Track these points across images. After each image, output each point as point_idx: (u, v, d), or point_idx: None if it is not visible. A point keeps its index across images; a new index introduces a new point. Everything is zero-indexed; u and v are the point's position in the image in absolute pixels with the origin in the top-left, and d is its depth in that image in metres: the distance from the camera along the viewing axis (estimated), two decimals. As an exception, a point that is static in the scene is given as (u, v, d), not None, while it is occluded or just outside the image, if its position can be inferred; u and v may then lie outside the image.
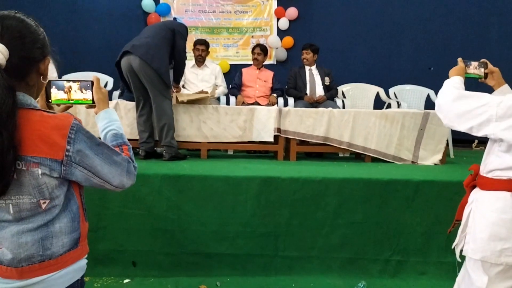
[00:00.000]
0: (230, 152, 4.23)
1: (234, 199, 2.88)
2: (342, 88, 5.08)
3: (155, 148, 3.59)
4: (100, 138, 1.19)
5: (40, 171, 1.01)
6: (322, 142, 3.75)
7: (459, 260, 1.68)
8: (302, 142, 3.94)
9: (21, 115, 0.99)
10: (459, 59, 1.79)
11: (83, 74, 5.22)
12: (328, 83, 4.72)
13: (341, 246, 2.92)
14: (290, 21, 6.25)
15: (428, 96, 5.02)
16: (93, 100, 1.30)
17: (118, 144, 1.24)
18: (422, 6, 5.86)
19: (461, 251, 1.63)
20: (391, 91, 5.10)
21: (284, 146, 3.88)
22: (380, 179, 2.95)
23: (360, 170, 3.27)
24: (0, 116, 0.93)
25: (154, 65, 3.26)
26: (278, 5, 6.30)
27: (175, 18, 3.91)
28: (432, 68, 5.61)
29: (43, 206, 1.05)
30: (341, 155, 4.28)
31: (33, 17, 1.10)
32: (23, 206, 1.03)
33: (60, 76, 5.05)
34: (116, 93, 4.55)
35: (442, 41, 5.71)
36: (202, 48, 4.69)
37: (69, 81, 1.30)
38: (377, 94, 5.17)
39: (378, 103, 5.05)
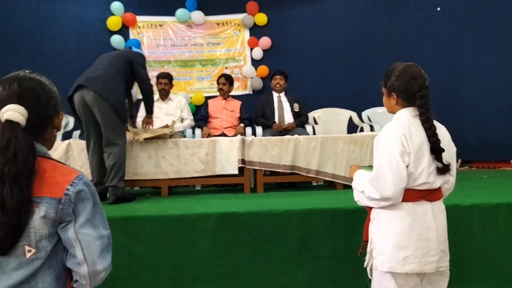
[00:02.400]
0: (198, 187, 4.04)
1: (189, 239, 2.67)
2: (313, 114, 4.97)
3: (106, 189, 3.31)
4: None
5: (37, 211, 1.03)
6: (289, 171, 3.57)
7: (371, 277, 1.72)
8: (272, 173, 3.76)
9: (39, 164, 1.07)
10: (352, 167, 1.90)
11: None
12: (297, 110, 4.59)
13: (309, 284, 2.69)
14: (263, 50, 6.23)
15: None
16: None
17: None
18: (393, 29, 5.85)
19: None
20: (364, 114, 4.99)
21: (254, 177, 3.70)
22: (346, 208, 2.76)
23: (327, 199, 3.09)
24: (23, 173, 1.01)
25: (110, 99, 3.07)
26: (250, 36, 6.29)
27: (130, 47, 3.74)
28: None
29: (27, 254, 1.03)
30: (314, 183, 4.09)
31: (46, 76, 1.20)
32: (16, 251, 1.03)
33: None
34: (76, 133, 4.39)
35: (415, 61, 5.59)
36: (165, 82, 4.57)
37: None
38: (350, 119, 5.04)
39: (352, 128, 4.93)
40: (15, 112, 1.05)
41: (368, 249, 1.72)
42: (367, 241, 1.74)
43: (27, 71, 1.14)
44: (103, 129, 3.17)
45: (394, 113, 1.74)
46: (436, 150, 1.59)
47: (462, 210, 2.75)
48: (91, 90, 3.07)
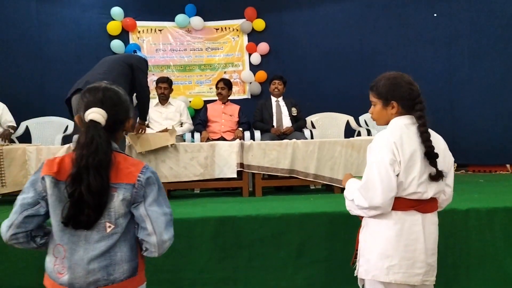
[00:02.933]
0: (197, 191, 4.05)
1: (188, 243, 2.67)
2: (311, 118, 4.99)
3: None
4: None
5: (115, 195, 1.26)
6: (287, 175, 3.59)
7: (360, 286, 1.70)
8: (270, 176, 3.78)
9: (113, 157, 1.29)
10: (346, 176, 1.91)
11: (51, 118, 5.10)
12: (295, 114, 4.62)
13: (307, 287, 2.70)
14: (261, 55, 6.26)
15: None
16: None
17: None
18: (390, 33, 5.88)
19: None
20: (361, 118, 5.01)
21: (253, 181, 3.71)
22: (344, 212, 2.71)
23: (325, 203, 3.10)
24: (103, 163, 1.23)
25: None
26: (249, 41, 6.33)
27: (135, 51, 3.73)
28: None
29: (108, 229, 1.27)
30: (312, 187, 4.11)
31: (122, 88, 1.45)
32: (99, 226, 1.26)
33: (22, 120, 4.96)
34: (76, 137, 4.39)
35: (412, 65, 5.67)
36: (165, 86, 4.60)
37: None
38: (348, 123, 5.07)
39: (349, 132, 4.95)
40: (98, 114, 1.28)
41: (358, 258, 1.69)
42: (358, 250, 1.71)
43: (107, 83, 1.42)
44: None
45: (387, 123, 1.68)
46: (430, 155, 1.56)
47: (459, 214, 2.76)
48: None
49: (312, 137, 4.58)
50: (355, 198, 1.65)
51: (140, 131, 3.65)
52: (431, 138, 1.58)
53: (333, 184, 3.63)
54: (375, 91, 1.69)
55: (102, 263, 1.26)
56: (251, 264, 2.68)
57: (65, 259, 1.26)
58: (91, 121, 1.27)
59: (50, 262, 1.29)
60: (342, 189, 3.53)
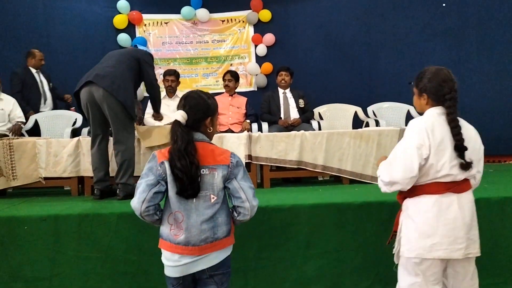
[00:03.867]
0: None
1: (198, 234, 2.69)
2: (318, 109, 4.97)
3: (111, 185, 3.33)
4: None
5: (216, 174, 1.66)
6: (296, 166, 3.58)
7: (396, 262, 1.89)
8: (278, 168, 3.78)
9: (200, 146, 1.68)
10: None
11: (60, 112, 5.13)
12: (302, 105, 4.60)
13: (317, 278, 2.71)
14: (267, 47, 6.24)
15: (409, 112, 4.89)
16: None
17: None
18: (397, 23, 5.82)
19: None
20: (370, 109, 4.98)
21: (261, 173, 3.71)
22: (353, 202, 2.77)
23: (334, 194, 3.10)
24: (188, 150, 1.62)
25: (120, 97, 3.06)
26: (255, 32, 6.30)
27: (136, 46, 3.73)
28: (412, 83, 5.50)
29: (212, 200, 1.66)
30: (320, 178, 4.10)
31: (207, 93, 1.81)
32: (205, 197, 1.66)
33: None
34: (85, 130, 4.41)
35: (420, 55, 5.62)
36: (172, 79, 4.59)
37: None
38: (356, 114, 5.04)
39: (357, 123, 4.93)
40: (180, 115, 1.67)
41: (397, 238, 1.87)
42: (396, 231, 1.89)
43: (197, 90, 1.81)
44: (112, 127, 3.17)
45: (423, 112, 1.87)
46: (458, 148, 1.71)
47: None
48: (100, 87, 3.06)
49: (320, 129, 4.56)
50: (381, 173, 1.85)
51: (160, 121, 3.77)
52: (461, 129, 1.74)
53: (342, 175, 3.62)
54: (414, 81, 1.92)
55: (210, 225, 1.66)
56: (261, 255, 2.69)
57: (183, 223, 1.66)
58: (176, 120, 1.67)
59: (166, 229, 1.70)
60: (351, 180, 3.58)
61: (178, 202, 1.66)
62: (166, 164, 1.66)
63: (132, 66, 3.28)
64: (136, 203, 1.70)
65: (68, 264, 2.61)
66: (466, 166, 1.72)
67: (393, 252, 1.91)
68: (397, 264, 1.90)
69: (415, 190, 1.78)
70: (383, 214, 2.70)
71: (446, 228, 1.72)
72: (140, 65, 3.32)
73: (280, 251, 2.71)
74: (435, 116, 1.78)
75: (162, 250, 1.74)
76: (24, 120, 4.64)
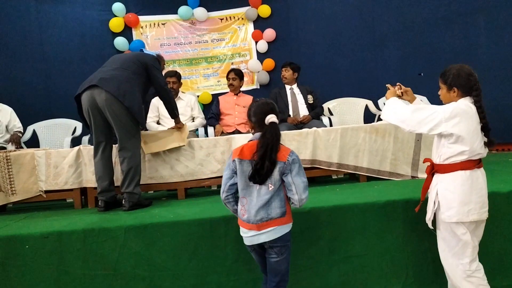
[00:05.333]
0: (214, 187, 3.87)
1: (212, 244, 2.51)
2: (328, 105, 4.79)
3: (116, 196, 3.14)
4: None
5: (276, 168, 1.97)
6: (309, 165, 3.39)
7: (432, 227, 2.22)
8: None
9: None
10: (388, 85, 2.47)
11: (58, 121, 4.96)
12: (312, 101, 4.41)
13: (342, 285, 2.54)
14: (268, 43, 6.07)
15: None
16: None
17: None
18: (403, 12, 5.63)
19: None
20: (380, 102, 4.79)
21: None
22: (376, 202, 2.59)
23: (353, 194, 2.91)
24: (277, 147, 1.99)
25: (126, 102, 2.89)
26: (254, 29, 6.11)
27: (141, 50, 3.55)
28: (422, 74, 5.31)
29: (270, 188, 1.98)
30: (334, 177, 3.91)
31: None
32: (266, 186, 1.99)
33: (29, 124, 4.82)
34: (85, 138, 4.23)
35: (428, 44, 5.43)
36: (173, 80, 4.40)
37: None
38: (366, 107, 4.85)
39: (369, 117, 4.73)
40: (275, 117, 2.03)
41: (430, 207, 2.21)
42: (423, 201, 2.27)
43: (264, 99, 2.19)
44: (117, 133, 3.00)
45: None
46: (486, 129, 2.12)
47: (501, 197, 2.57)
48: (103, 90, 2.89)
49: (331, 125, 4.37)
50: (395, 107, 2.25)
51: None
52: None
53: (358, 173, 3.43)
54: (442, 78, 2.20)
55: (265, 208, 1.99)
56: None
57: (246, 205, 2.02)
58: (273, 122, 2.00)
59: (238, 209, 2.07)
60: (368, 178, 3.39)
61: (244, 190, 2.03)
62: (236, 161, 2.03)
63: (138, 71, 3.10)
64: (221, 193, 2.14)
65: (74, 284, 2.44)
66: (490, 144, 2.12)
67: (427, 220, 2.24)
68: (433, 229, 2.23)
69: (451, 167, 2.10)
70: (409, 213, 2.52)
71: (477, 196, 2.09)
72: (148, 70, 3.15)
73: (300, 259, 2.54)
74: (466, 104, 2.11)
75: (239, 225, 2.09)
76: (22, 130, 4.47)
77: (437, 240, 2.24)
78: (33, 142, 4.63)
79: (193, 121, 4.52)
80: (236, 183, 2.06)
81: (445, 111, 2.07)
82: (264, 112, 2.03)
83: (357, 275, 2.53)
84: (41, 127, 4.68)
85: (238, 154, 2.03)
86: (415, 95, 2.48)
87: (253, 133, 2.12)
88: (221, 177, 3.32)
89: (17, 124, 4.43)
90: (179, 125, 3.49)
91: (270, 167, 1.95)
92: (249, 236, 2.03)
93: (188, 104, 4.53)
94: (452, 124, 2.06)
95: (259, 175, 1.96)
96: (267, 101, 2.11)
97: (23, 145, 4.45)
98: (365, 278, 2.54)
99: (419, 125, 2.13)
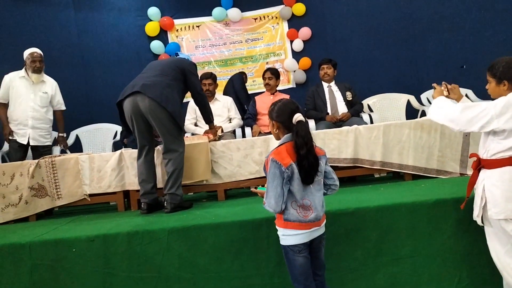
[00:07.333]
0: (253, 188, 3.83)
1: (254, 246, 2.48)
2: (367, 101, 4.66)
3: (158, 198, 3.18)
4: None
5: (322, 162, 2.01)
6: (351, 164, 3.30)
7: (481, 224, 2.16)
8: (331, 167, 3.50)
9: None
10: (434, 84, 2.40)
11: (100, 125, 5.08)
12: (350, 98, 4.30)
13: (390, 288, 2.43)
14: (304, 41, 6.00)
15: (466, 96, 4.48)
16: None
17: None
18: (442, 2, 5.40)
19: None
20: (423, 97, 4.61)
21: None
22: (425, 201, 2.48)
23: (400, 193, 2.80)
24: (311, 147, 1.96)
25: (169, 107, 2.94)
26: (289, 28, 6.06)
27: (177, 54, 3.59)
28: (464, 66, 5.08)
29: (320, 182, 2.03)
30: (376, 175, 3.80)
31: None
32: (319, 181, 2.02)
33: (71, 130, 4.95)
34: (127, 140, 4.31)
35: (470, 36, 5.20)
36: (209, 82, 4.41)
37: None
38: (408, 103, 4.68)
39: (411, 113, 4.57)
40: (302, 116, 1.98)
41: (477, 204, 2.14)
42: (469, 197, 2.21)
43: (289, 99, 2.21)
44: (162, 137, 3.06)
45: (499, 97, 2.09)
46: None
47: None
48: (147, 96, 2.94)
49: (372, 122, 4.24)
50: (444, 106, 2.19)
51: (216, 135, 3.61)
52: None
53: (403, 171, 3.30)
54: (490, 72, 2.13)
55: (323, 202, 2.04)
56: (326, 266, 2.42)
57: (312, 204, 1.98)
58: (301, 121, 1.96)
59: (293, 214, 1.97)
60: (414, 176, 3.26)
61: (303, 192, 1.97)
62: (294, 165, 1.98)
63: (177, 77, 3.16)
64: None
65: (121, 286, 2.46)
66: None
67: (474, 218, 2.20)
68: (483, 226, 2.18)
69: (499, 162, 2.04)
70: (461, 212, 2.38)
71: None
72: (186, 75, 3.20)
73: (346, 261, 2.46)
74: None
75: (289, 229, 1.98)
76: (64, 108, 4.41)
77: (487, 238, 2.17)
78: (76, 147, 4.76)
79: (230, 122, 4.51)
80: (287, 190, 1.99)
81: (496, 106, 1.99)
82: (291, 111, 1.98)
83: (406, 278, 2.43)
84: (84, 132, 4.81)
85: (289, 159, 1.93)
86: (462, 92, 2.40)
87: (278, 134, 2.07)
88: (259, 178, 3.37)
89: (60, 100, 4.37)
90: (212, 131, 3.59)
91: (315, 164, 1.94)
92: (310, 232, 1.99)
93: (225, 105, 4.52)
94: (505, 119, 1.98)
95: (311, 175, 1.94)
96: (291, 101, 2.09)
97: (67, 150, 4.57)
98: (415, 281, 2.43)
99: (469, 123, 2.06)
